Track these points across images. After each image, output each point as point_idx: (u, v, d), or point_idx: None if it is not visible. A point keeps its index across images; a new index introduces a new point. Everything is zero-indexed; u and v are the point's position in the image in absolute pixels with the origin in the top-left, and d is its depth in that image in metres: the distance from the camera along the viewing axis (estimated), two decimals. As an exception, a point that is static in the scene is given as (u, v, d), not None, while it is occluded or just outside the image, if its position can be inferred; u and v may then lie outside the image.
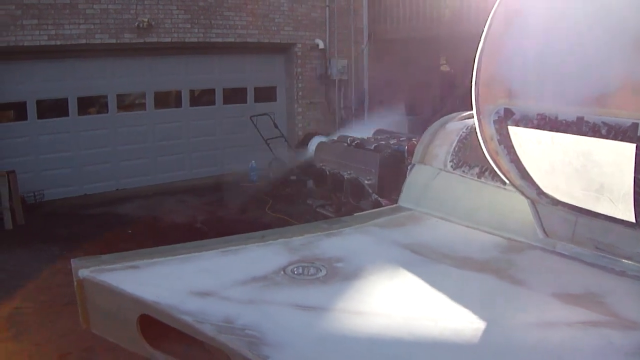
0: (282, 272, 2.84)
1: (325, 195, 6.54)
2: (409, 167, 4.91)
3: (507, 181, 3.46)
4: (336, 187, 5.45)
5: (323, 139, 6.04)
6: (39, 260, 7.92)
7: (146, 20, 10.99)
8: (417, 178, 4.29)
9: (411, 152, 4.92)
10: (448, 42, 14.91)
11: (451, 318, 2.54)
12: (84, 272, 2.92)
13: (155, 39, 11.29)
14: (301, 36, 13.55)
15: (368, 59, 14.91)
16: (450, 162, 4.14)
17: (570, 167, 3.03)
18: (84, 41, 10.58)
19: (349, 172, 5.27)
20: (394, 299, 2.70)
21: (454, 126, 4.35)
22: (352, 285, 2.76)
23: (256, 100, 13.51)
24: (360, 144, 5.50)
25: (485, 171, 3.90)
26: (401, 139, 5.57)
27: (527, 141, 3.13)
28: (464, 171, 4.03)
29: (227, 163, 13.11)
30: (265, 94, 13.73)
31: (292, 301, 2.55)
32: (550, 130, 2.95)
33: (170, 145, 12.38)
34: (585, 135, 2.81)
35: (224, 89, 12.99)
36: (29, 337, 5.78)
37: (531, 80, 3.08)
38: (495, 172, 3.81)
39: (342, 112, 14.47)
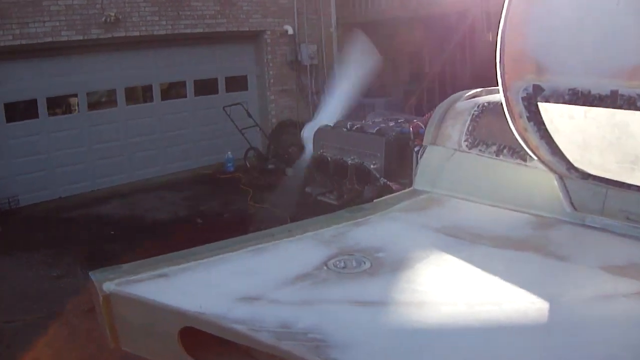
0: (325, 267, 2.68)
1: (323, 182, 6.42)
2: (415, 149, 4.81)
3: (535, 158, 3.37)
4: (339, 174, 5.30)
5: (315, 125, 5.87)
6: (22, 268, 7.67)
7: (113, 14, 10.66)
8: (430, 160, 4.17)
9: (417, 134, 4.81)
10: (417, 24, 14.88)
11: (512, 300, 2.44)
12: (109, 286, 2.69)
13: (123, 34, 10.99)
14: (270, 23, 13.34)
15: (337, 43, 14.77)
16: (465, 141, 4.02)
17: (605, 141, 2.95)
18: (50, 39, 10.24)
19: (352, 157, 5.12)
20: (448, 285, 2.59)
21: (464, 105, 4.23)
22: (401, 276, 2.63)
23: (228, 90, 13.27)
24: (361, 128, 5.35)
25: (503, 149, 3.80)
26: (399, 120, 5.45)
27: (558, 117, 3.04)
28: (480, 150, 3.93)
29: (203, 155, 12.95)
30: (237, 84, 13.51)
31: (347, 298, 2.41)
32: (583, 105, 2.86)
33: (144, 141, 12.10)
34: (620, 108, 2.73)
35: (195, 81, 12.73)
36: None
37: (561, 55, 2.97)
38: (515, 149, 3.74)
39: (315, 97, 14.32)
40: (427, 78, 12.26)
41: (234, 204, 10.54)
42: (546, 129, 3.14)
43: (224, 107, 12.44)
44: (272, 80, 13.67)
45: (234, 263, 2.87)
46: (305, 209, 9.93)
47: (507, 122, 3.68)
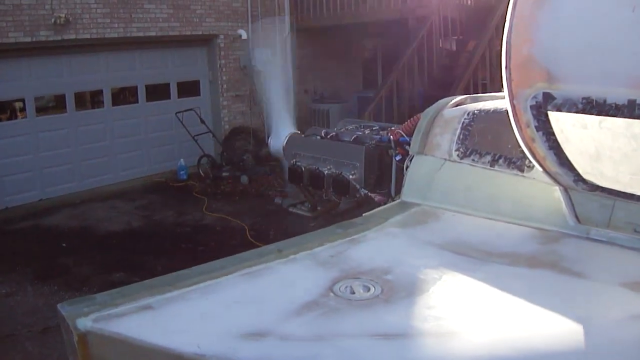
0: (331, 294, 2.40)
1: (291, 192, 6.14)
2: (396, 159, 4.59)
3: (540, 169, 3.18)
4: (314, 185, 5.02)
5: (285, 133, 5.57)
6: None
7: (63, 15, 10.15)
8: (419, 170, 3.95)
9: (397, 142, 4.59)
10: (373, 29, 14.77)
11: (543, 325, 2.23)
12: (85, 323, 2.29)
13: (73, 36, 10.50)
14: (223, 27, 13.02)
15: (292, 48, 14.54)
16: (456, 151, 3.82)
17: (619, 152, 2.78)
18: (-5, 40, 9.73)
19: (328, 167, 4.85)
20: (472, 311, 2.35)
21: (453, 113, 4.03)
22: (418, 302, 2.39)
23: (180, 95, 12.91)
24: (336, 137, 5.09)
25: (498, 159, 3.61)
26: (374, 128, 5.20)
27: (570, 126, 2.85)
28: (473, 160, 3.73)
29: (155, 163, 12.57)
30: (189, 89, 13.13)
31: (364, 330, 2.14)
32: (598, 114, 2.68)
33: (94, 148, 11.60)
34: (637, 118, 2.56)
35: (146, 86, 12.29)
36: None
37: (574, 62, 2.79)
38: (511, 159, 3.56)
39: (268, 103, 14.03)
40: (385, 84, 12.04)
41: (188, 213, 10.20)
42: (555, 139, 2.95)
43: (176, 113, 12.14)
44: (225, 86, 13.36)
45: (227, 291, 2.54)
46: (267, 219, 9.70)
47: (513, 130, 3.50)
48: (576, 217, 3.24)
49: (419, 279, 2.58)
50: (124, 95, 12.46)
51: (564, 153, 2.99)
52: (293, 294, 2.47)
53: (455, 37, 14.61)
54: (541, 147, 3.02)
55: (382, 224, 3.36)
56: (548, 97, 2.84)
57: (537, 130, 2.96)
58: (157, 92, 12.56)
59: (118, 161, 12.00)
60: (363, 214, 3.60)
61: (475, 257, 2.87)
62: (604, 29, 2.67)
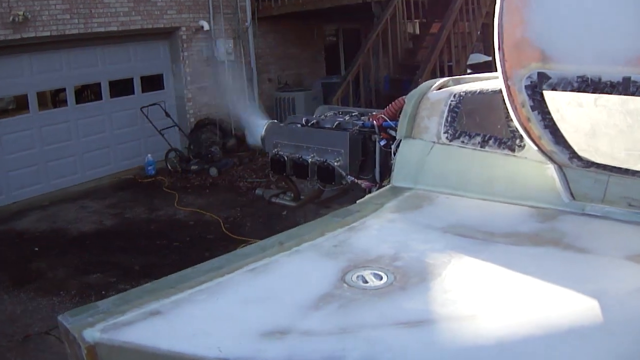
0: (344, 285, 2.36)
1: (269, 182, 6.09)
2: (380, 143, 4.56)
3: (535, 147, 3.19)
4: (298, 174, 4.96)
5: (263, 122, 5.49)
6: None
7: (21, 13, 9.85)
8: (408, 154, 3.92)
9: (380, 127, 4.56)
10: (333, 13, 14.71)
11: (561, 302, 2.23)
12: (93, 334, 2.16)
13: (33, 34, 10.21)
14: (185, 19, 12.83)
15: (254, 38, 14.45)
16: (444, 133, 3.80)
17: (615, 128, 2.81)
18: (-48, 41, 9.46)
19: (311, 155, 4.79)
20: (489, 293, 2.33)
21: (438, 95, 4.01)
22: (434, 287, 2.36)
23: (144, 90, 12.69)
24: (317, 124, 5.04)
25: (489, 140, 3.61)
26: (353, 113, 5.16)
27: (565, 105, 2.87)
28: (463, 142, 3.72)
29: (122, 159, 12.39)
30: (153, 83, 12.94)
31: (387, 319, 2.11)
32: (593, 92, 2.71)
33: (60, 148, 11.33)
34: (633, 95, 2.59)
35: (109, 82, 12.05)
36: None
37: (568, 41, 2.80)
38: (502, 139, 3.57)
39: (232, 94, 13.93)
40: (351, 70, 12.01)
41: (160, 209, 10.08)
42: (551, 118, 2.96)
43: (141, 108, 11.98)
44: (189, 78, 13.19)
45: (236, 289, 2.47)
46: (241, 211, 9.64)
47: (501, 111, 3.53)
48: (571, 193, 3.26)
49: (429, 264, 2.56)
50: (87, 93, 12.30)
51: (560, 131, 3.01)
52: (305, 287, 2.42)
53: (419, 20, 14.67)
54: (537, 127, 3.03)
55: (378, 210, 3.33)
56: (543, 77, 2.85)
57: (533, 110, 2.97)
58: (121, 87, 12.34)
59: (85, 160, 11.78)
60: (357, 201, 3.56)
61: (479, 239, 2.86)
62: (597, 8, 2.69)
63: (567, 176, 3.27)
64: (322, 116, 5.24)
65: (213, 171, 11.80)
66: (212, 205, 10.13)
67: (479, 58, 16.57)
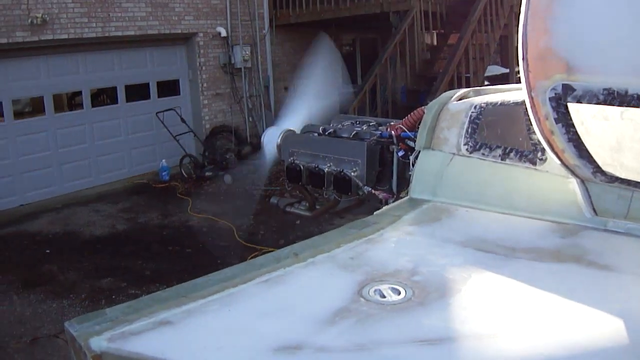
0: (361, 299, 2.28)
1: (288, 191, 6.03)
2: (398, 154, 4.49)
3: (557, 161, 3.10)
4: (314, 183, 4.89)
5: (279, 131, 5.42)
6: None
7: (40, 15, 9.89)
8: (427, 165, 3.84)
9: (399, 138, 4.49)
10: (351, 23, 14.69)
11: (588, 321, 2.15)
12: (99, 343, 2.07)
13: (50, 36, 10.24)
14: (202, 25, 12.85)
15: (271, 45, 14.44)
16: (464, 145, 3.72)
17: None
18: (-29, 42, 9.48)
19: (328, 164, 4.72)
20: (512, 310, 2.25)
21: (459, 106, 3.93)
22: (454, 303, 2.28)
23: (160, 95, 12.72)
24: (334, 133, 4.97)
25: (509, 152, 3.52)
26: (371, 123, 5.08)
27: (590, 118, 2.79)
28: (483, 154, 3.63)
29: (136, 164, 12.41)
30: (169, 88, 12.96)
31: (407, 337, 2.03)
32: (619, 105, 2.63)
33: (74, 151, 11.36)
34: None
35: (126, 86, 12.07)
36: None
37: (593, 53, 2.73)
38: (523, 152, 3.49)
39: (249, 101, 13.93)
40: (368, 79, 11.95)
41: (173, 215, 10.04)
42: (575, 131, 2.88)
43: (156, 113, 11.99)
44: (205, 84, 13.20)
45: (249, 300, 2.39)
46: (255, 219, 9.58)
47: (522, 123, 3.45)
48: (593, 209, 3.17)
49: (448, 279, 2.48)
50: (103, 96, 12.31)
51: (584, 145, 2.92)
52: (321, 301, 2.34)
53: (436, 31, 14.61)
54: (560, 140, 2.95)
55: (395, 222, 3.25)
56: (567, 89, 2.77)
57: (557, 123, 2.89)
58: (137, 92, 12.35)
59: (99, 163, 11.79)
60: (374, 212, 3.49)
61: (499, 254, 2.78)
62: (623, 19, 2.62)
63: (589, 191, 3.18)
64: (339, 125, 5.16)
65: (227, 178, 11.75)
66: (225, 212, 10.08)
67: (497, 70, 16.51)
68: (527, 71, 2.88)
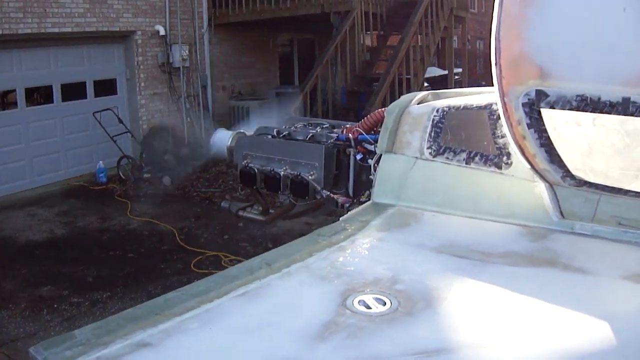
0: (347, 311, 2.21)
1: (243, 196, 5.92)
2: (357, 157, 4.46)
3: (528, 165, 3.13)
4: (270, 187, 4.79)
5: (229, 133, 5.31)
6: None
7: (-29, 10, 9.54)
8: (390, 169, 3.82)
9: (357, 141, 4.46)
10: (289, 23, 14.63)
11: (573, 325, 2.17)
12: None
13: (-18, 32, 9.86)
14: (141, 23, 12.57)
15: (210, 45, 14.25)
16: (427, 149, 3.71)
17: (612, 148, 2.79)
18: None
19: (284, 168, 4.64)
20: (503, 318, 2.25)
21: (420, 110, 3.93)
22: (443, 312, 2.25)
23: (97, 94, 12.36)
24: (289, 136, 4.90)
25: (474, 156, 3.54)
26: (324, 126, 5.04)
27: (563, 123, 2.83)
28: (447, 158, 3.63)
29: (73, 166, 12.05)
30: (106, 87, 12.60)
31: (403, 349, 1.96)
32: (592, 111, 2.68)
33: (8, 152, 10.91)
34: (632, 115, 2.58)
35: (62, 85, 11.68)
36: None
37: (567, 59, 2.78)
38: (488, 156, 3.50)
39: (187, 101, 13.72)
40: (309, 80, 11.92)
41: (113, 218, 9.76)
42: (547, 137, 2.91)
43: (93, 113, 11.63)
44: (142, 84, 12.93)
45: (229, 316, 2.28)
46: (196, 222, 9.43)
47: (487, 128, 3.47)
48: (560, 212, 3.21)
49: (431, 287, 2.45)
50: (39, 95, 11.86)
51: (555, 150, 2.96)
52: (305, 314, 2.26)
53: (376, 33, 14.69)
54: (532, 145, 2.98)
55: (364, 228, 3.21)
56: (541, 94, 2.80)
57: (529, 128, 2.92)
58: (73, 91, 11.98)
59: (34, 165, 11.38)
60: (340, 218, 3.44)
61: (475, 259, 2.77)
62: (597, 26, 2.65)
63: (557, 195, 3.21)
64: (293, 127, 5.09)
65: (166, 180, 11.52)
66: (165, 215, 9.88)
67: (435, 72, 16.74)
68: (500, 76, 2.89)
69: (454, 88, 12.06)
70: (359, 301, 2.30)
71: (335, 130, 4.85)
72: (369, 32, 14.18)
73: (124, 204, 10.39)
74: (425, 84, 14.13)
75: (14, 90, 11.12)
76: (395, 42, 13.09)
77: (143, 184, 11.54)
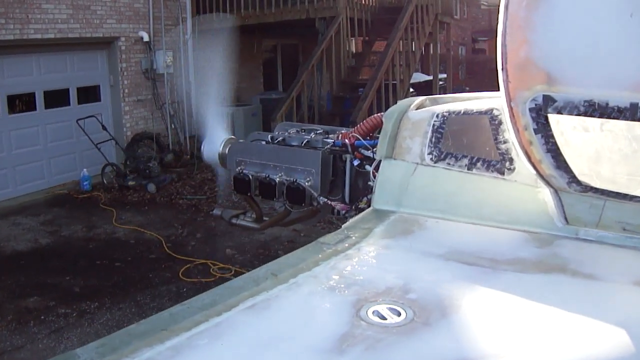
0: (362, 323, 2.14)
1: (233, 202, 5.85)
2: (354, 163, 4.41)
3: (533, 171, 3.09)
4: (265, 194, 4.71)
5: (219, 138, 5.22)
6: None
7: (-48, 17, 9.39)
8: (390, 176, 3.76)
9: (354, 147, 4.41)
10: (275, 29, 14.60)
11: (593, 333, 2.13)
12: None
13: (-36, 39, 9.71)
14: (124, 29, 12.47)
15: (194, 51, 14.16)
16: (428, 154, 3.67)
17: (619, 154, 2.76)
18: None
19: (279, 174, 4.57)
20: (520, 327, 2.19)
21: (420, 115, 3.88)
22: (460, 322, 2.18)
23: (80, 101, 12.25)
24: (284, 141, 4.84)
25: (476, 162, 3.49)
26: (318, 131, 4.97)
27: (571, 129, 2.79)
28: (449, 164, 3.59)
29: (56, 174, 11.90)
30: (89, 94, 12.49)
31: (423, 361, 1.93)
32: (600, 117, 2.65)
33: (-10, 161, 10.77)
34: (639, 121, 2.55)
35: (44, 92, 11.54)
36: None
37: (574, 65, 2.73)
38: (490, 162, 3.47)
39: (170, 107, 13.61)
40: (295, 86, 11.87)
41: (98, 226, 9.65)
42: (554, 142, 2.87)
43: (77, 120, 11.49)
44: (126, 90, 12.84)
45: (240, 331, 2.18)
46: (182, 229, 9.34)
47: (489, 133, 3.44)
48: (565, 218, 3.18)
49: (445, 296, 2.39)
50: (21, 103, 11.69)
51: (562, 156, 2.92)
52: (319, 327, 2.18)
53: (361, 38, 14.69)
54: (538, 150, 2.94)
55: (368, 235, 3.15)
56: (548, 100, 2.76)
57: (536, 133, 2.88)
58: (56, 98, 11.85)
59: (16, 173, 11.22)
60: (342, 226, 3.38)
61: (484, 266, 2.72)
62: (605, 31, 2.62)
63: (562, 200, 3.18)
64: (286, 134, 5.02)
65: (151, 187, 11.43)
66: (151, 222, 9.79)
67: (420, 77, 16.76)
68: (506, 81, 2.85)
69: (439, 94, 12.10)
70: (373, 312, 2.23)
71: (330, 136, 4.79)
72: (353, 38, 14.15)
73: (109, 212, 10.28)
74: (411, 90, 14.14)
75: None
76: (381, 47, 13.12)
77: (127, 192, 11.44)
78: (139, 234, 9.24)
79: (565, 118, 2.76)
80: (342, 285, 2.50)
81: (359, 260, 2.81)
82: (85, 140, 11.53)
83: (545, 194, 3.24)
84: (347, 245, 2.99)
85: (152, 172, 11.82)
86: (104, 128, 11.80)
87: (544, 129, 2.84)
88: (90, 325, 6.24)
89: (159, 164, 12.34)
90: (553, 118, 2.80)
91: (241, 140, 5.28)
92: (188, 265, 7.78)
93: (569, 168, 2.96)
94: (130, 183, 11.60)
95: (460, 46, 32.51)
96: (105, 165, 11.77)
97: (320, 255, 2.85)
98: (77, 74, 12.12)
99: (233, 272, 7.49)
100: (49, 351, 5.72)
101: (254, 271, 2.70)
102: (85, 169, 11.67)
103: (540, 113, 2.80)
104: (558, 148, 2.89)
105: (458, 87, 20.23)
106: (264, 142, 4.93)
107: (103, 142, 11.71)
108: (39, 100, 11.52)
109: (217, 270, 7.59)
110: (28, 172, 11.40)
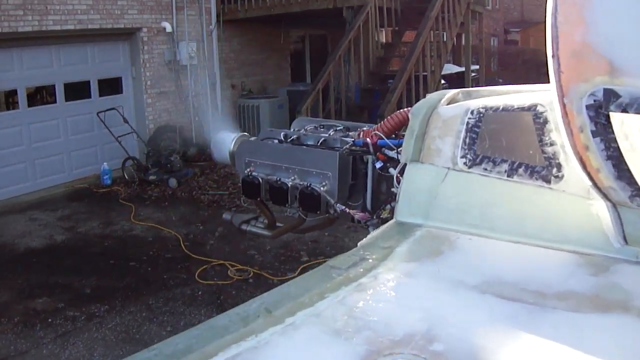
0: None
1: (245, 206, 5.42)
2: (376, 166, 3.93)
3: (589, 182, 2.58)
4: (275, 199, 4.22)
5: (231, 135, 4.74)
6: None
7: (-31, 7, 9.12)
8: (416, 182, 3.26)
9: (376, 147, 3.92)
10: (301, 18, 14.18)
11: None
12: None
13: (-20, 30, 9.44)
14: (147, 20, 12.15)
15: (218, 42, 13.79)
16: (462, 158, 3.17)
17: None
18: None
19: (292, 177, 4.08)
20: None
21: (451, 111, 3.38)
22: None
23: (101, 94, 11.96)
24: (298, 140, 4.34)
25: (518, 168, 3.00)
26: (338, 128, 4.48)
27: (637, 131, 2.28)
28: (485, 169, 3.09)
29: (76, 167, 11.65)
30: (111, 86, 12.20)
31: None
32: None
33: (10, 154, 10.50)
34: None
35: (65, 84, 11.26)
36: None
37: None
38: (534, 167, 2.97)
39: (194, 100, 13.26)
40: (321, 77, 11.40)
41: (115, 223, 9.36)
42: (617, 147, 2.36)
43: (98, 113, 11.26)
44: (148, 82, 12.52)
45: None
46: (202, 227, 8.99)
47: (543, 133, 2.95)
48: (624, 237, 2.67)
49: (480, 347, 1.90)
50: (41, 95, 11.48)
51: (625, 164, 2.41)
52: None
53: (391, 28, 14.17)
54: (596, 157, 2.42)
55: (388, 257, 2.66)
56: (610, 95, 2.24)
57: (594, 136, 2.36)
58: (77, 90, 11.57)
59: (36, 167, 10.97)
60: (358, 243, 2.91)
61: (528, 302, 2.23)
62: None
63: (621, 216, 2.67)
64: (303, 131, 4.54)
65: (172, 182, 11.11)
66: (171, 219, 9.48)
67: (451, 69, 16.19)
68: (558, 72, 2.34)
69: (471, 86, 11.57)
70: (392, 365, 1.77)
71: (350, 133, 4.31)
72: (382, 28, 13.65)
73: (128, 208, 10.01)
74: (442, 82, 13.61)
75: (15, 91, 10.73)
76: (411, 38, 12.59)
77: (148, 187, 11.16)
78: (157, 231, 8.94)
79: (631, 118, 2.24)
80: (351, 330, 2.01)
81: (374, 293, 2.32)
82: (106, 134, 11.28)
83: (599, 208, 2.74)
84: (361, 270, 2.50)
85: (173, 166, 11.52)
86: (126, 121, 11.52)
87: (604, 131, 2.33)
88: (98, 330, 5.95)
89: (182, 157, 12.01)
90: (616, 117, 2.28)
91: (252, 139, 4.79)
92: (205, 266, 7.44)
93: (634, 179, 2.44)
94: (152, 177, 11.30)
95: (493, 37, 31.79)
96: (126, 159, 11.50)
97: (328, 285, 2.37)
98: (98, 65, 11.83)
99: (251, 274, 7.19)
100: (52, 358, 5.46)
101: (245, 305, 2.20)
102: (105, 163, 11.43)
103: (600, 111, 2.28)
104: (621, 155, 2.37)
105: (490, 80, 19.62)
106: (276, 141, 4.44)
107: (124, 135, 11.44)
108: (59, 93, 11.27)
109: (235, 272, 7.21)
110: (48, 165, 11.15)
